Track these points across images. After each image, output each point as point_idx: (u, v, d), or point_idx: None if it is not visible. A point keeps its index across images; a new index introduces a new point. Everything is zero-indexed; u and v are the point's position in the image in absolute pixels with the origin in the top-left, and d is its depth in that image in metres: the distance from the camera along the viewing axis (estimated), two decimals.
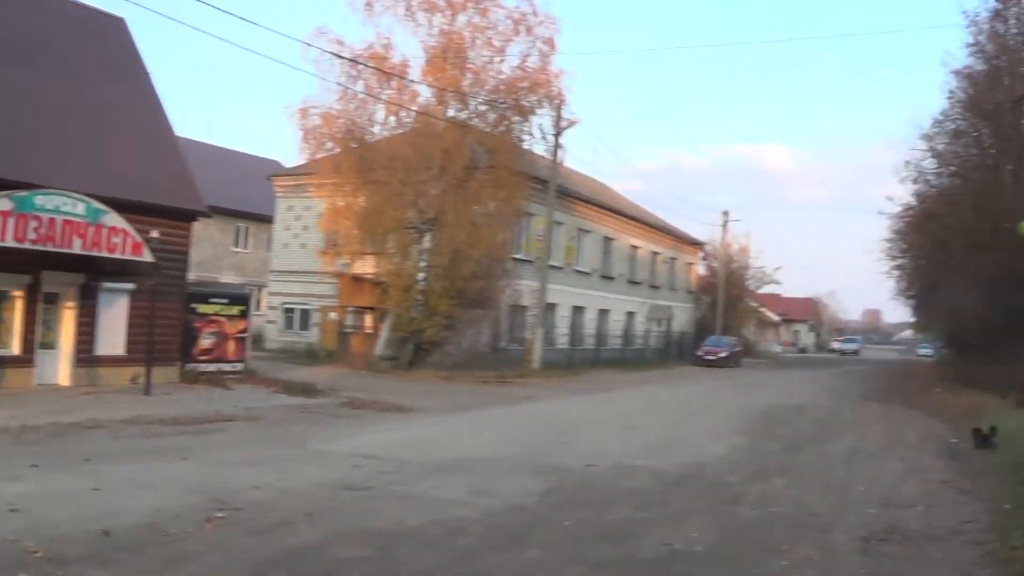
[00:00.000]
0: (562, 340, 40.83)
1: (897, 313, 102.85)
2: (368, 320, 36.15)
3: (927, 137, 32.42)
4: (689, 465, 13.57)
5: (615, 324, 48.45)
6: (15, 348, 19.58)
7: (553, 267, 38.77)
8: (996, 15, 28.84)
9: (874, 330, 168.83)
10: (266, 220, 43.38)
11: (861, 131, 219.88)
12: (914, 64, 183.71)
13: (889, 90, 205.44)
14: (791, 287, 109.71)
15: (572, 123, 35.10)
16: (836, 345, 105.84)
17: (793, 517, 10.08)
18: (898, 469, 14.13)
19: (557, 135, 34.85)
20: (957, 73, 30.58)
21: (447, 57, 31.68)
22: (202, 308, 23.74)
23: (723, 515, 10.12)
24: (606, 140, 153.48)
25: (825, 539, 9.00)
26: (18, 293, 19.56)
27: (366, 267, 33.41)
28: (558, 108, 34.33)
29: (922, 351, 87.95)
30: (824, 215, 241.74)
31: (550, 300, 38.23)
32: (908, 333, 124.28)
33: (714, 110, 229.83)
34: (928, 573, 7.99)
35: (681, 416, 22.09)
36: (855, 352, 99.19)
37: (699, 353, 50.74)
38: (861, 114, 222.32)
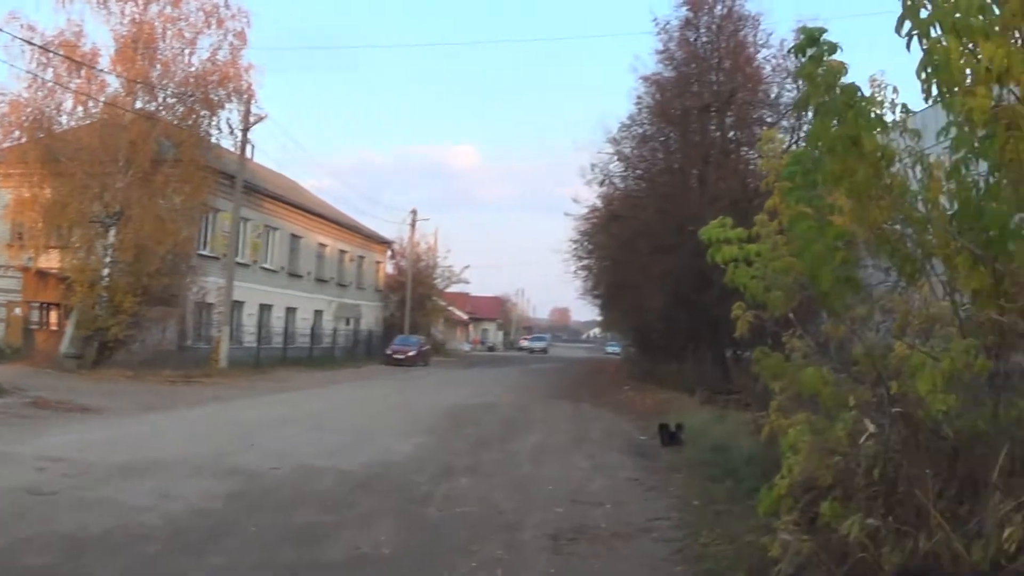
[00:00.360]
0: (249, 339, 40.96)
1: (585, 312, 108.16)
2: (54, 316, 35.26)
3: (614, 141, 33.73)
4: (376, 465, 13.51)
5: (303, 323, 48.64)
6: None
7: (240, 264, 39.10)
8: (687, 23, 30.71)
9: (563, 328, 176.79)
10: None
11: (551, 134, 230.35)
12: (605, 68, 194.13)
13: (580, 93, 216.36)
14: (480, 286, 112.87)
15: (260, 118, 36.05)
16: (525, 343, 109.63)
17: (481, 516, 10.17)
18: (586, 467, 14.57)
19: (245, 130, 35.62)
20: (646, 79, 32.11)
21: (137, 47, 31.30)
22: None
23: (411, 516, 10.11)
24: (297, 137, 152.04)
25: (513, 538, 9.11)
26: None
27: (52, 261, 32.35)
28: (247, 103, 34.98)
29: (610, 349, 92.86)
30: (513, 215, 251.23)
31: (237, 298, 38.37)
32: (596, 331, 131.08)
33: (406, 109, 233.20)
34: (619, 570, 8.21)
35: (369, 415, 22.12)
36: (544, 350, 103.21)
37: (388, 352, 51.56)
38: (552, 117, 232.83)
